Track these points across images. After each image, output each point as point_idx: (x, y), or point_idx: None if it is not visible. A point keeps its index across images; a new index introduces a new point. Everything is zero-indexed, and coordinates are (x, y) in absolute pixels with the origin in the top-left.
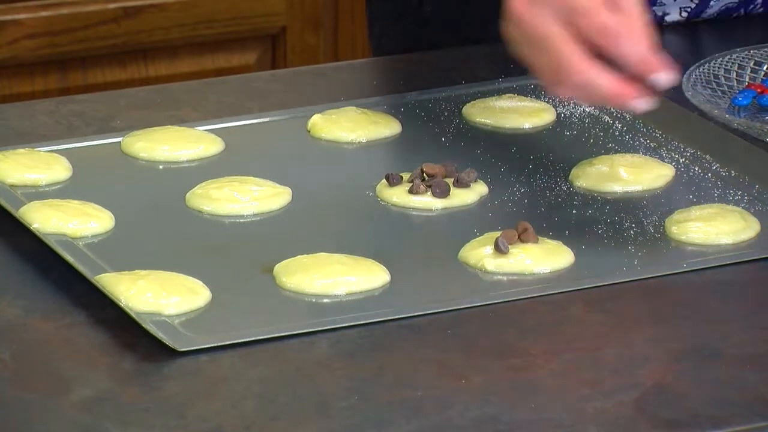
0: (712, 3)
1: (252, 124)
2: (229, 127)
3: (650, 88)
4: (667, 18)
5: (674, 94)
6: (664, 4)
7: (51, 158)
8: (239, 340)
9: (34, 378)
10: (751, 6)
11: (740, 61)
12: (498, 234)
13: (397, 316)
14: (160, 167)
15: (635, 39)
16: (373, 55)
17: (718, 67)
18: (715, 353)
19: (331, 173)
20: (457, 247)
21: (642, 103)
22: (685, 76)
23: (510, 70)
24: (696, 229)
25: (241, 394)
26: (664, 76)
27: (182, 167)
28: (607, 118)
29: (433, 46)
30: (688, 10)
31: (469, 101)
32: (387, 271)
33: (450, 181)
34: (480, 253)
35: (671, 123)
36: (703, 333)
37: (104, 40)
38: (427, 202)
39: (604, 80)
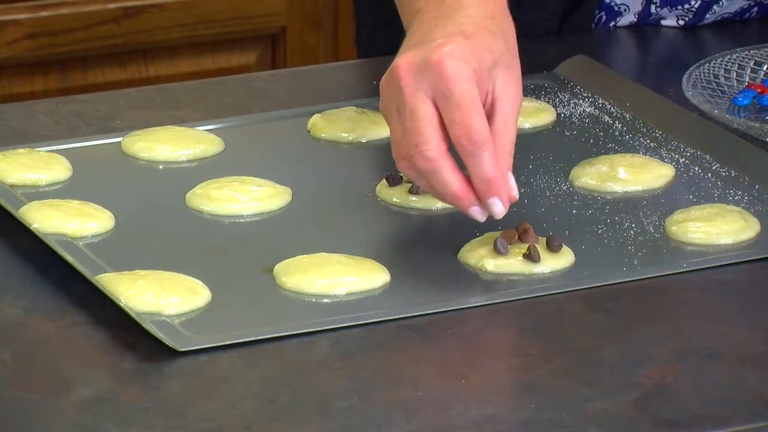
0: (707, 16)
1: (252, 124)
2: (229, 127)
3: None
4: (663, 23)
5: (674, 94)
6: (660, 15)
7: (51, 158)
8: (239, 340)
9: (34, 378)
10: (747, 15)
11: (740, 61)
12: (498, 234)
13: (397, 316)
14: (160, 167)
15: (492, 154)
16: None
17: (718, 67)
18: (715, 353)
19: (331, 173)
20: (457, 247)
21: (477, 214)
22: (685, 76)
23: None
24: (696, 229)
25: (241, 394)
26: (498, 207)
27: (182, 167)
28: (607, 118)
29: None
30: (685, 19)
31: None
32: (387, 271)
33: None
34: (480, 253)
35: (671, 123)
36: (703, 333)
37: (104, 40)
38: (427, 202)
39: (451, 178)
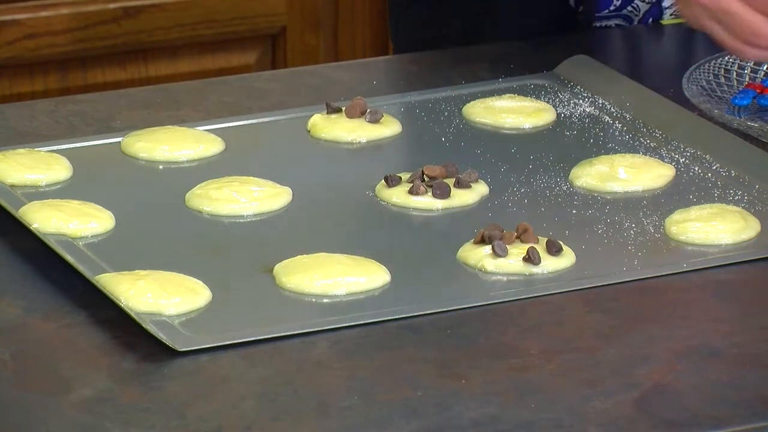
0: None
1: (252, 124)
2: (229, 127)
3: None
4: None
5: (674, 94)
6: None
7: (51, 158)
8: (239, 340)
9: (34, 378)
10: None
11: (740, 61)
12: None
13: (397, 316)
14: (160, 167)
15: None
16: (393, 42)
17: (718, 67)
18: (715, 353)
19: (331, 173)
20: (457, 247)
21: None
22: (685, 76)
23: (510, 70)
24: (696, 229)
25: (241, 394)
26: None
27: (182, 167)
28: (607, 118)
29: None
30: None
31: (469, 101)
32: (387, 271)
33: (451, 181)
34: (480, 253)
35: (671, 123)
36: (703, 333)
37: (104, 40)
38: (427, 202)
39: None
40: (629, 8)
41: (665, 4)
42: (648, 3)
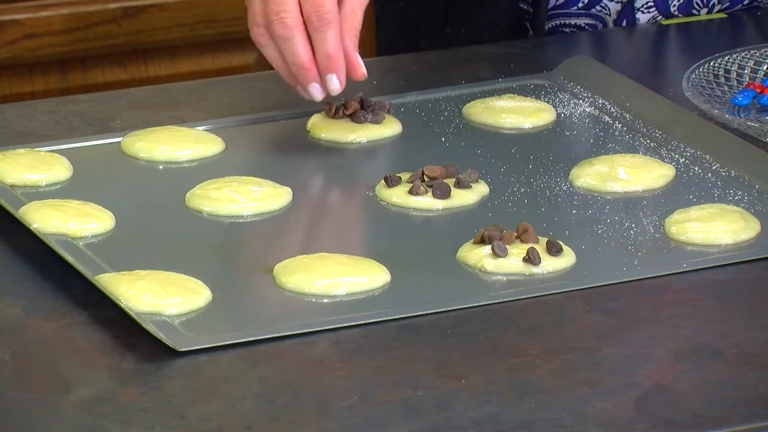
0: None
1: (252, 124)
2: (229, 127)
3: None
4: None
5: (674, 94)
6: None
7: (51, 158)
8: (239, 340)
9: (34, 378)
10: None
11: (740, 61)
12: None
13: (397, 316)
14: (160, 167)
15: (336, 34)
16: (376, 39)
17: (718, 67)
18: (715, 353)
19: (331, 173)
20: (457, 247)
21: (316, 91)
22: (685, 76)
23: (510, 70)
24: (696, 229)
25: (241, 394)
26: (335, 84)
27: (182, 167)
28: (607, 118)
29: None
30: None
31: (469, 101)
32: (387, 271)
33: (451, 182)
34: (480, 253)
35: (671, 123)
36: (703, 333)
37: (104, 40)
38: (427, 202)
39: (302, 48)
40: (598, 7)
41: (636, 4)
42: (618, 2)
